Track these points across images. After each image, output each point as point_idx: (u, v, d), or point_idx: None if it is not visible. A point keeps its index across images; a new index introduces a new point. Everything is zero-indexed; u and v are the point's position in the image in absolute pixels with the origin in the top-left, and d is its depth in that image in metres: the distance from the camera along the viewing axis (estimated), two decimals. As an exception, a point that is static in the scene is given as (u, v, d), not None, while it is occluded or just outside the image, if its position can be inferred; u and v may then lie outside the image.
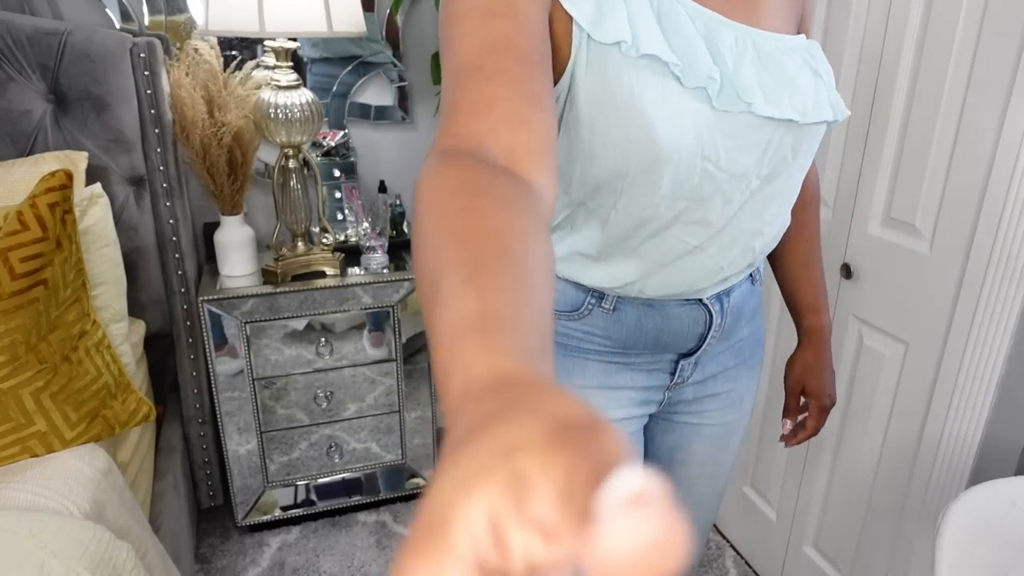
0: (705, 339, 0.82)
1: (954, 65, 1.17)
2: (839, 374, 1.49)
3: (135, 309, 1.62)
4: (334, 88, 1.98)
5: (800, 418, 1.01)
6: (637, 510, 0.16)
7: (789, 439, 1.00)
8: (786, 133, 0.69)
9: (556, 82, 0.64)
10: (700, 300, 0.80)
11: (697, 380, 0.87)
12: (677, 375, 0.85)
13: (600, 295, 0.78)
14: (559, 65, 0.64)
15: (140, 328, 1.65)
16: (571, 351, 0.81)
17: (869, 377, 1.42)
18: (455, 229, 0.35)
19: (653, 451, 0.95)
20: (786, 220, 0.80)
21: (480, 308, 0.28)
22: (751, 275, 0.85)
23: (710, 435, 0.92)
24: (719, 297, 0.81)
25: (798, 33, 0.76)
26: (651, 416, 0.90)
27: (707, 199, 0.69)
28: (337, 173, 2.00)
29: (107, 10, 1.72)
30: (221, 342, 1.69)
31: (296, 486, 1.89)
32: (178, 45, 1.75)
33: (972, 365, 1.18)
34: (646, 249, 0.73)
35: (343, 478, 1.93)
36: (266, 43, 1.71)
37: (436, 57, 1.97)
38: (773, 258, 0.98)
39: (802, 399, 1.00)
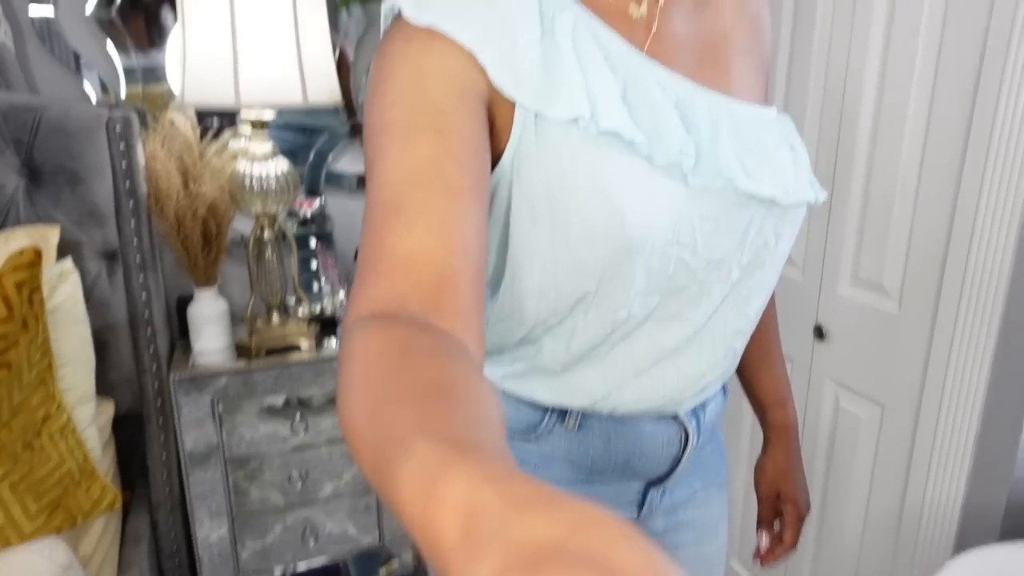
0: (679, 462, 0.73)
1: (911, 125, 1.21)
2: (818, 439, 1.48)
3: (104, 388, 1.55)
4: (311, 157, 1.97)
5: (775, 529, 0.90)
6: None
7: (767, 557, 0.88)
8: (768, 214, 0.61)
9: (494, 167, 0.57)
10: (675, 416, 0.71)
11: (667, 508, 0.78)
12: (646, 507, 0.76)
13: (563, 411, 0.68)
14: (499, 150, 0.56)
15: (109, 408, 1.57)
16: None
17: (848, 441, 1.40)
18: (391, 390, 0.32)
19: None
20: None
21: (445, 446, 0.25)
22: (723, 385, 0.76)
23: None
24: (695, 412, 0.72)
25: (767, 102, 0.70)
26: None
27: (681, 290, 0.61)
28: (314, 243, 1.97)
29: (85, 81, 1.71)
30: (192, 421, 1.62)
31: None
32: (155, 116, 1.73)
33: (948, 424, 1.17)
34: (616, 356, 0.64)
35: (322, 566, 1.84)
36: (241, 114, 1.70)
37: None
38: None
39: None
